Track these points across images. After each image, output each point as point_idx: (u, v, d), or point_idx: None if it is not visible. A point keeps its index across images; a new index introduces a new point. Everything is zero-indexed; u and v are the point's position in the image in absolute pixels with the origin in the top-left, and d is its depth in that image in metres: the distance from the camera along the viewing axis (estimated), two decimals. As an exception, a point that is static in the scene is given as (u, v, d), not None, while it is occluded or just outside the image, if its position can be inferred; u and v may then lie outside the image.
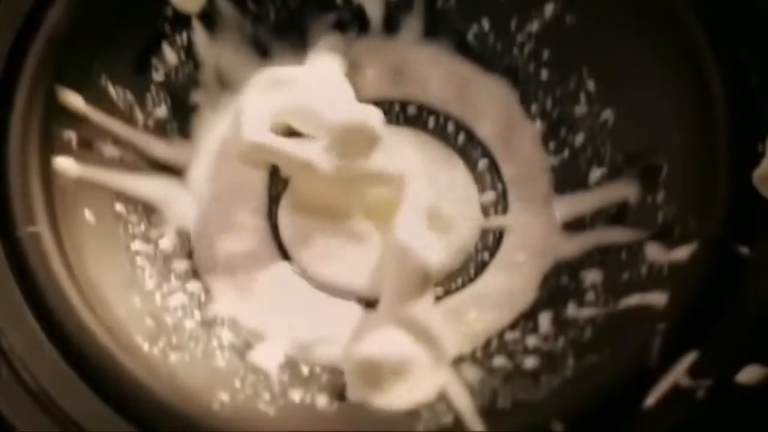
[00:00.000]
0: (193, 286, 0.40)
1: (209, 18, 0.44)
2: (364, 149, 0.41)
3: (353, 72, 0.45)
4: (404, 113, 0.45)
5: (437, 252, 0.40)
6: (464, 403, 0.35)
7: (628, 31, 0.40)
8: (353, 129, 0.40)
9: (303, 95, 0.42)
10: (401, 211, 0.40)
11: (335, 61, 0.44)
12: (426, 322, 0.38)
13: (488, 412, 0.34)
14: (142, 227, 0.40)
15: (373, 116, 0.40)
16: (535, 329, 0.38)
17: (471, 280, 0.41)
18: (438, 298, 0.41)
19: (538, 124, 0.44)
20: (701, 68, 0.38)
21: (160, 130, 0.43)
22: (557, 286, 0.40)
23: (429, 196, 0.41)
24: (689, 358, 0.33)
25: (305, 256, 0.42)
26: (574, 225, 0.41)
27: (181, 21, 0.43)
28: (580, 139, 0.43)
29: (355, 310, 0.40)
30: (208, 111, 0.44)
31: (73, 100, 0.39)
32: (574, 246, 0.40)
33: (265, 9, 0.45)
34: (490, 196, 0.43)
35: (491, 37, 0.45)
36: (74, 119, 0.39)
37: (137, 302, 0.37)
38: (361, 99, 0.43)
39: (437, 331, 0.38)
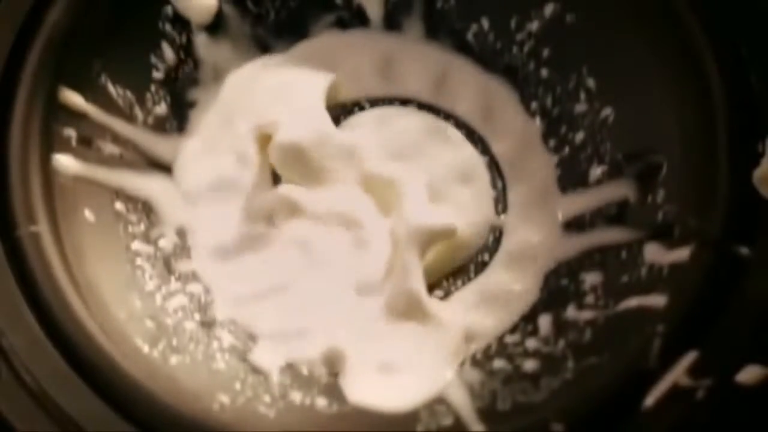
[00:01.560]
0: (193, 287, 0.40)
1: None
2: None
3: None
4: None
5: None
6: (464, 405, 0.35)
7: (628, 30, 0.40)
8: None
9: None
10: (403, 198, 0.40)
11: (320, 83, 0.44)
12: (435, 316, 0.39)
13: (488, 413, 0.34)
14: (142, 227, 0.40)
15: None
16: (535, 332, 0.38)
17: (471, 280, 0.41)
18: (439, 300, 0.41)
19: (538, 122, 0.44)
20: (701, 68, 0.38)
21: (159, 127, 0.43)
22: (557, 288, 0.40)
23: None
24: (689, 358, 0.33)
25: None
26: (574, 225, 0.41)
27: (181, 21, 0.44)
28: (580, 136, 0.43)
29: (356, 308, 0.40)
30: (204, 107, 0.45)
31: (74, 99, 0.39)
32: (574, 246, 0.40)
33: (265, 9, 0.45)
34: (490, 194, 0.44)
35: (491, 36, 0.45)
36: (74, 117, 0.40)
37: (137, 303, 0.37)
38: (361, 97, 0.44)
39: (443, 328, 0.39)
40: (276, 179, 0.43)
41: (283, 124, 0.42)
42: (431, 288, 0.41)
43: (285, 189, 0.42)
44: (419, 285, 0.39)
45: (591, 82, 0.42)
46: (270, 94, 0.44)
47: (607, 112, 0.42)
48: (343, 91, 0.45)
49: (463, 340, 0.39)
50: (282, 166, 0.42)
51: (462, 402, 0.35)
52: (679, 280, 0.35)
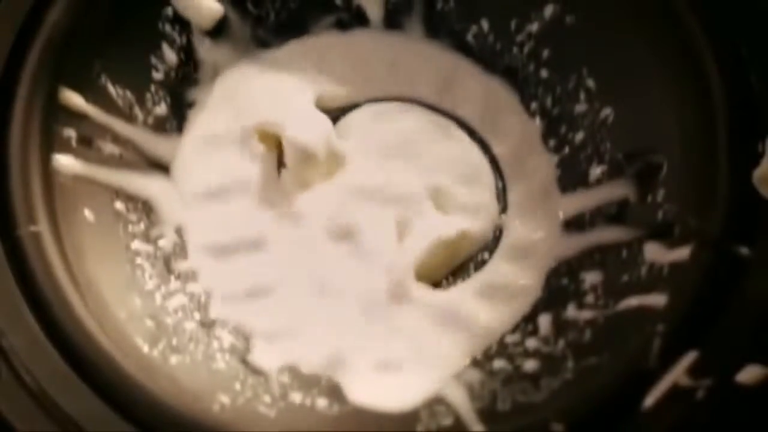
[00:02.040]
0: (193, 286, 0.40)
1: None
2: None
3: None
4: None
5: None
6: (464, 405, 0.35)
7: (628, 31, 0.40)
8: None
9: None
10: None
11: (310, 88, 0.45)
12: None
13: (488, 414, 0.34)
14: (142, 226, 0.40)
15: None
16: (535, 331, 0.38)
17: (470, 277, 0.41)
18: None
19: (538, 122, 0.44)
20: (701, 68, 0.37)
21: (159, 127, 0.43)
22: (557, 288, 0.40)
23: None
24: (689, 358, 0.33)
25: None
26: (575, 224, 0.41)
27: (181, 21, 0.44)
28: (580, 136, 0.43)
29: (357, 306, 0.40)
30: (203, 107, 0.45)
31: (73, 99, 0.39)
32: (574, 246, 0.40)
33: (265, 10, 0.45)
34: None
35: (491, 37, 0.45)
36: (74, 117, 0.39)
37: (137, 303, 0.37)
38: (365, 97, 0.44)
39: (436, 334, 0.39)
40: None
41: (290, 125, 0.42)
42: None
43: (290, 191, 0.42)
44: (411, 285, 0.39)
45: (591, 83, 0.42)
46: (265, 95, 0.44)
47: (607, 112, 0.42)
48: (336, 98, 0.45)
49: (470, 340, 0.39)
50: (293, 165, 0.42)
51: (462, 402, 0.35)
52: (679, 280, 0.35)
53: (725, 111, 0.37)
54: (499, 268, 0.41)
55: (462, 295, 0.41)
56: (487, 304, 0.40)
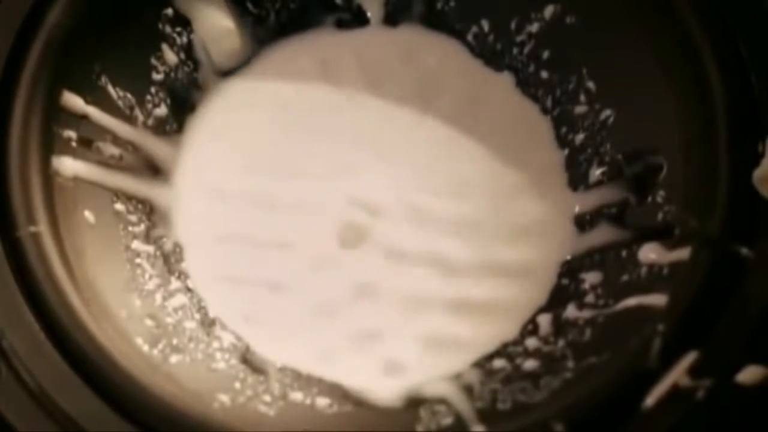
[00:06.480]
0: (193, 286, 0.40)
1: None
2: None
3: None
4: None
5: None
6: (464, 405, 0.35)
7: (628, 31, 0.40)
8: None
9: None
10: None
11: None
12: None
13: (488, 413, 0.34)
14: (142, 227, 0.41)
15: None
16: (535, 331, 0.38)
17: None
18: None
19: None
20: (701, 68, 0.37)
21: (159, 129, 0.43)
22: (557, 287, 0.40)
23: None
24: (689, 358, 0.33)
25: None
26: (575, 225, 0.41)
27: (181, 21, 0.44)
28: (580, 138, 0.43)
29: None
30: (203, 109, 0.45)
31: (73, 100, 0.39)
32: (575, 246, 0.40)
33: (265, 10, 0.45)
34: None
35: (491, 37, 0.45)
36: (74, 119, 0.39)
37: (137, 303, 0.38)
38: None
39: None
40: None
41: None
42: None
43: None
44: None
45: (591, 84, 0.42)
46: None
47: (607, 113, 0.42)
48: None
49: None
50: None
51: (462, 402, 0.35)
52: (679, 280, 0.35)
53: (725, 111, 0.37)
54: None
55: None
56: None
